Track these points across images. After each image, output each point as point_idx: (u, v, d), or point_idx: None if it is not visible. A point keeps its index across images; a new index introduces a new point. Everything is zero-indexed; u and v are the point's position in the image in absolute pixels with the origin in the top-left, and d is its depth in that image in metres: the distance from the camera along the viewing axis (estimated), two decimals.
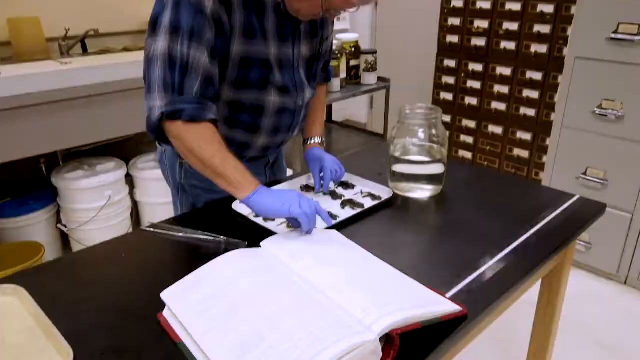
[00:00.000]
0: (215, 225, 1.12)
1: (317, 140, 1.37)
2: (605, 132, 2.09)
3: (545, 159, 2.52)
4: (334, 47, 2.41)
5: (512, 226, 1.14)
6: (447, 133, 1.30)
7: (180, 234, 1.11)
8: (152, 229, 1.13)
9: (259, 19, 1.07)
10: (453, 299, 0.87)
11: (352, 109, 4.05)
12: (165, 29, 0.99)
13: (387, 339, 0.75)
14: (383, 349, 0.73)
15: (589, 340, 1.90)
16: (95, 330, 0.81)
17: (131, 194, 2.42)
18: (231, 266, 0.90)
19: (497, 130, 2.76)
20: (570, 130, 2.20)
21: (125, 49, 2.56)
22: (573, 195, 1.29)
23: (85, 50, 2.49)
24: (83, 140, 2.08)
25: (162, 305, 0.84)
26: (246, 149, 1.25)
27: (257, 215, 1.17)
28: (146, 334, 0.81)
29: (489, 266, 0.99)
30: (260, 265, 0.91)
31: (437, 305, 0.83)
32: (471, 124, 2.86)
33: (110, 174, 2.21)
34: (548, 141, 2.52)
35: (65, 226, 2.25)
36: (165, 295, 0.84)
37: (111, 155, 2.46)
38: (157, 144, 1.30)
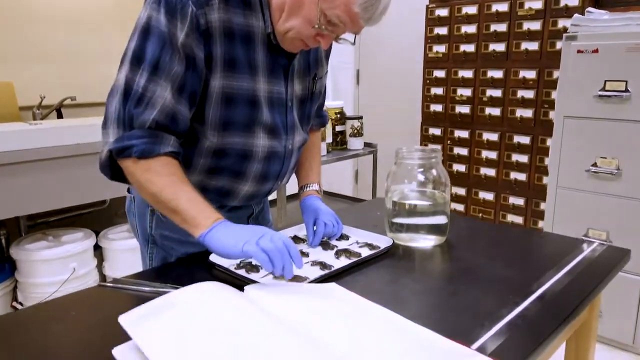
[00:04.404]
0: (189, 279, 0.94)
1: (315, 187, 1.24)
2: (602, 190, 2.01)
3: (541, 223, 2.41)
4: None
5: (533, 273, 0.99)
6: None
7: (147, 289, 0.93)
8: (113, 284, 0.96)
9: (245, 52, 0.97)
10: (480, 351, 0.71)
11: (337, 182, 3.98)
12: (128, 58, 0.91)
13: None
14: None
15: None
16: None
17: (100, 268, 2.21)
18: (209, 294, 0.73)
19: (489, 196, 2.67)
20: (566, 191, 2.12)
21: None
22: (593, 242, 1.17)
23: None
24: (49, 205, 1.91)
25: None
26: (228, 198, 1.11)
27: (239, 267, 1.01)
28: None
29: (517, 314, 0.83)
30: (245, 302, 0.73)
31: (467, 357, 0.66)
32: (461, 191, 2.78)
33: (77, 244, 2.02)
34: (542, 205, 2.43)
35: (21, 304, 2.01)
36: (124, 319, 0.67)
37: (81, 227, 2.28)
38: (126, 191, 1.17)
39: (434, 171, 1.16)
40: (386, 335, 0.69)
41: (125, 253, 2.12)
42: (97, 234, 2.24)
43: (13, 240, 2.10)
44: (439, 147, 2.39)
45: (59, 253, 1.95)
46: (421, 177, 1.17)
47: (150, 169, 0.89)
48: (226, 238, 0.85)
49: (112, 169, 0.93)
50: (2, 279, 1.99)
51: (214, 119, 0.98)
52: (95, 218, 2.39)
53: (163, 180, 0.89)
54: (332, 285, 0.89)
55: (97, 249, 2.22)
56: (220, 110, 0.97)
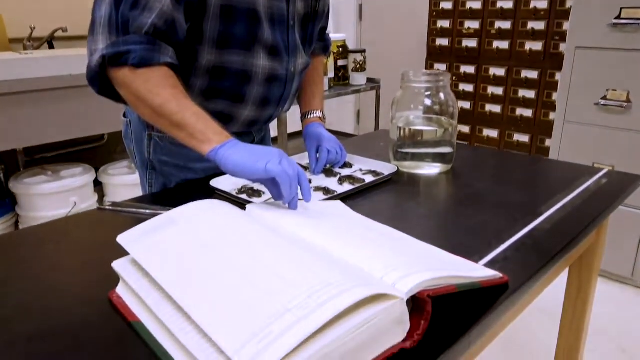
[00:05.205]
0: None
1: (318, 114, 1.20)
2: (611, 124, 1.97)
3: None
4: None
5: (542, 197, 0.98)
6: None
7: (147, 211, 0.91)
8: (111, 207, 0.94)
9: None
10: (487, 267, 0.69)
11: (338, 122, 3.92)
12: None
13: (413, 306, 0.56)
14: (410, 319, 0.54)
15: (611, 346, 1.71)
16: (24, 314, 0.61)
17: (101, 203, 2.20)
18: (210, 210, 0.71)
19: (493, 133, 2.63)
20: (573, 126, 2.07)
21: None
22: (601, 169, 1.14)
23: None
24: (45, 138, 1.87)
25: (115, 283, 0.64)
26: (228, 123, 1.07)
27: (240, 192, 0.99)
28: (91, 315, 0.61)
29: (524, 234, 0.82)
30: (247, 217, 0.71)
31: (473, 270, 0.65)
32: (465, 128, 2.73)
33: (77, 178, 2.00)
34: (547, 142, 2.40)
35: None
36: (122, 238, 0.65)
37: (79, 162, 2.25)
38: (122, 116, 1.13)
39: (441, 95, 1.12)
40: (390, 247, 0.67)
41: (126, 188, 2.10)
42: (96, 170, 2.21)
43: (11, 176, 2.09)
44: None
45: (59, 187, 1.93)
46: (428, 102, 1.13)
47: (151, 80, 0.82)
48: (244, 155, 0.79)
49: (102, 80, 0.86)
50: (3, 213, 1.98)
51: (212, 35, 0.92)
52: (93, 155, 2.36)
53: (166, 92, 0.82)
54: (337, 203, 0.88)
55: (98, 185, 2.20)
56: (218, 25, 0.92)
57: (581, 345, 1.21)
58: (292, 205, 0.79)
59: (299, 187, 0.79)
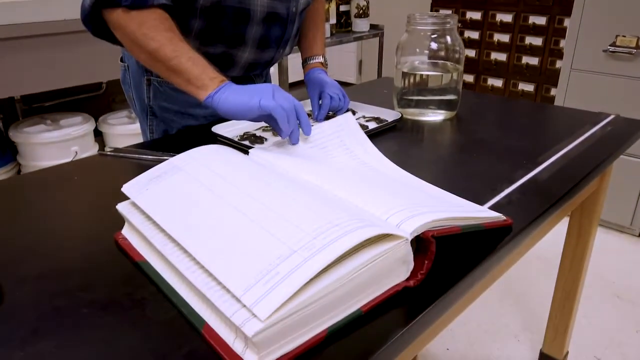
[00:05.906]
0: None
1: (319, 59, 1.16)
2: (618, 72, 1.93)
3: None
4: None
5: (546, 143, 0.97)
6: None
7: (149, 157, 0.91)
8: (113, 153, 0.93)
9: None
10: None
11: (339, 73, 3.85)
12: None
13: (417, 246, 0.56)
14: (414, 259, 0.55)
15: (608, 293, 1.75)
16: (30, 255, 0.61)
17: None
18: (214, 155, 0.70)
19: (497, 82, 2.58)
20: (580, 74, 2.03)
21: None
22: (608, 115, 1.13)
23: None
24: (41, 85, 1.83)
25: (119, 225, 0.65)
26: (227, 67, 1.05)
27: (243, 138, 0.98)
28: (97, 255, 0.61)
29: (528, 179, 0.81)
30: (251, 162, 0.71)
31: (477, 212, 0.65)
32: (469, 78, 2.68)
33: (77, 127, 1.98)
34: (552, 91, 2.36)
35: None
36: (127, 188, 0.65)
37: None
38: (119, 60, 1.10)
39: (448, 38, 1.09)
40: (395, 188, 0.67)
41: (127, 137, 2.09)
42: (95, 120, 2.19)
43: (10, 125, 2.07)
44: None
45: (59, 136, 1.92)
46: (434, 45, 1.10)
47: (145, 23, 0.80)
48: (237, 96, 0.78)
49: (96, 21, 0.84)
50: (4, 163, 1.98)
51: None
52: (91, 104, 2.33)
53: (161, 35, 0.80)
54: (344, 119, 0.88)
55: (98, 135, 2.19)
56: None
57: (578, 290, 1.24)
58: (293, 139, 0.79)
59: (298, 121, 0.79)
